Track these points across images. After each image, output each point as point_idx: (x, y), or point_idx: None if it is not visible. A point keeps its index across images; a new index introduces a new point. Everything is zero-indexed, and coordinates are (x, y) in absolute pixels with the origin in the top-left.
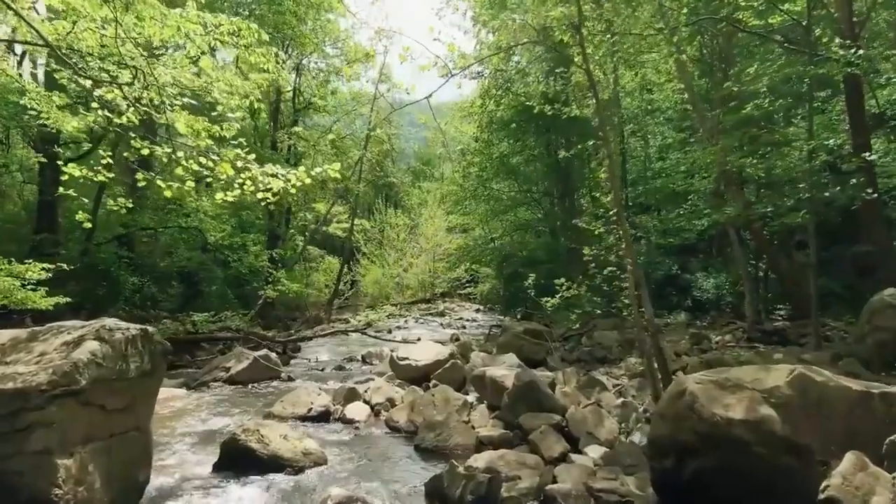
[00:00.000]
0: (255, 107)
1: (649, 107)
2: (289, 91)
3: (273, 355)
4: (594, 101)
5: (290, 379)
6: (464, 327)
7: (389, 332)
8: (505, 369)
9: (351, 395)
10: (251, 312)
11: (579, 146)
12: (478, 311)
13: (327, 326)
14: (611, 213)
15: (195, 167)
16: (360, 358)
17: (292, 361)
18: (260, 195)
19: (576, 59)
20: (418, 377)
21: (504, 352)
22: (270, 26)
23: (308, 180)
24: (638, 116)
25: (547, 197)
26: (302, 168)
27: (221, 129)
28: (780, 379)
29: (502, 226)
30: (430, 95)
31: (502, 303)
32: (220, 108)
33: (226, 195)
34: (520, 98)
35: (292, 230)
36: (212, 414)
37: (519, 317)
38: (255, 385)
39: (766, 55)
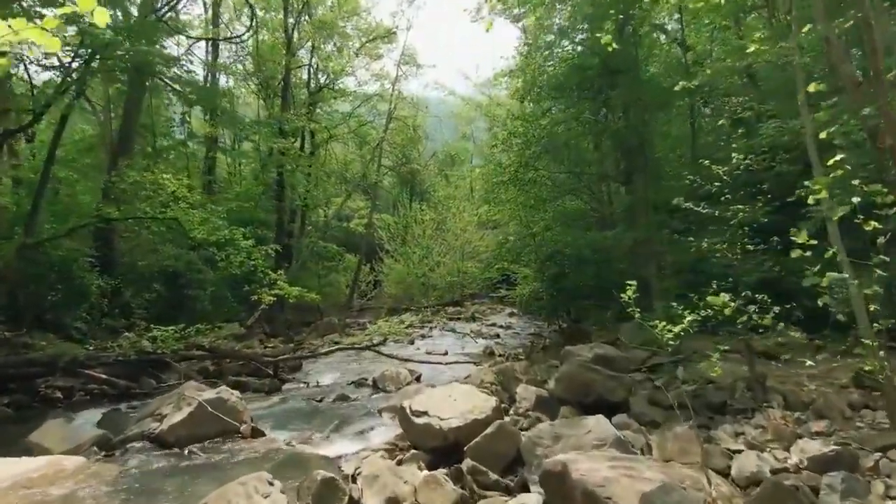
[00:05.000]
0: None
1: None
2: (301, 66)
3: (233, 396)
4: None
5: (255, 433)
6: (498, 336)
7: (412, 342)
8: (605, 463)
9: (325, 495)
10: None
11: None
12: (512, 315)
13: (338, 336)
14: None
15: None
16: (371, 382)
17: (285, 386)
18: None
19: None
20: (444, 448)
21: (567, 388)
22: None
23: None
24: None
25: (602, 179)
26: None
27: None
28: None
29: (545, 217)
30: None
31: (545, 308)
32: None
33: None
34: (576, 48)
35: (309, 226)
36: None
37: (562, 324)
38: (197, 447)
39: None
